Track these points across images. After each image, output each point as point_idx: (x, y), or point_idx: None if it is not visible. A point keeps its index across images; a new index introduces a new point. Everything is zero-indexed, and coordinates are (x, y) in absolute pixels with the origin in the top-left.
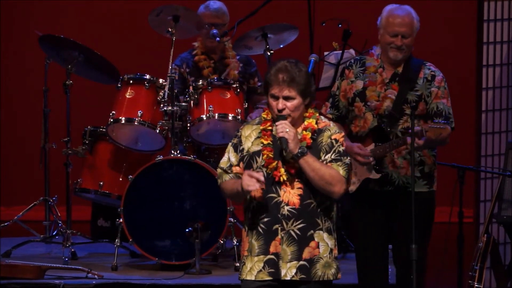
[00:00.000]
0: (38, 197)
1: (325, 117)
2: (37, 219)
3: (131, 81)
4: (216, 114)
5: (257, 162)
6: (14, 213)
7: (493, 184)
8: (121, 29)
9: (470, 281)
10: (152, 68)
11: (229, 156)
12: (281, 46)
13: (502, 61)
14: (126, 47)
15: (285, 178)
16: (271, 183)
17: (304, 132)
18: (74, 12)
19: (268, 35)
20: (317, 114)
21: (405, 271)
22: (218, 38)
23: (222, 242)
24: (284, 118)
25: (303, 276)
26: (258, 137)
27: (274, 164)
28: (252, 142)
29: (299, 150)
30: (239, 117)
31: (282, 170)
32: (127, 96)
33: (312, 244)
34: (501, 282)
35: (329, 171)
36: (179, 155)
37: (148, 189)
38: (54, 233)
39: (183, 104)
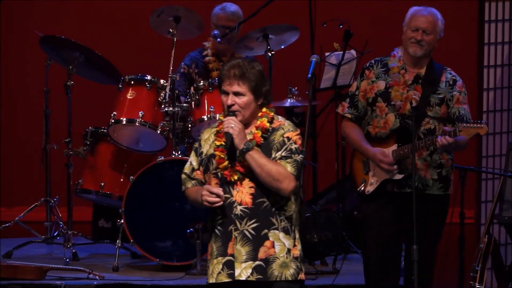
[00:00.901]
0: (39, 198)
1: (345, 116)
2: (38, 220)
3: (132, 82)
4: (217, 115)
5: (213, 164)
6: (15, 214)
7: (494, 185)
8: (122, 29)
9: (471, 282)
10: (153, 69)
11: (191, 161)
12: (282, 47)
13: (503, 61)
14: (127, 48)
15: (236, 178)
16: (225, 183)
17: (255, 131)
18: (75, 12)
19: (269, 36)
20: (272, 114)
21: (408, 272)
22: (219, 39)
23: None
24: (234, 114)
25: (259, 276)
26: (215, 140)
27: (225, 164)
28: (210, 145)
29: (244, 146)
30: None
31: (232, 170)
32: (128, 97)
33: (267, 243)
34: (502, 283)
35: (276, 167)
36: (180, 156)
37: (149, 190)
38: (55, 234)
39: (184, 105)
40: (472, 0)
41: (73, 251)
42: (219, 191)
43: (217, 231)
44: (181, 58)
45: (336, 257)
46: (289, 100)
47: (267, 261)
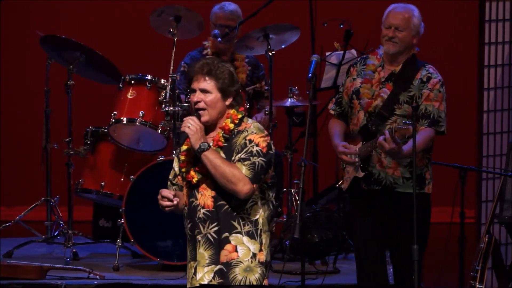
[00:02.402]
0: (40, 198)
1: (329, 113)
2: (39, 220)
3: (132, 82)
4: None
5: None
6: (15, 214)
7: (494, 185)
8: (123, 29)
9: (471, 282)
10: (153, 68)
11: (174, 167)
12: (283, 46)
13: (504, 61)
14: (128, 48)
15: (196, 179)
16: (190, 187)
17: (219, 132)
18: (75, 12)
19: (270, 36)
20: (239, 116)
21: (399, 272)
22: (219, 39)
23: None
24: (198, 114)
25: (221, 280)
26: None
27: (187, 168)
28: None
29: (200, 146)
30: None
31: (193, 172)
32: (129, 97)
33: (228, 247)
34: (503, 282)
35: (231, 169)
36: None
37: (149, 189)
38: (55, 234)
39: (185, 104)
40: (473, 0)
41: (74, 250)
42: (169, 194)
43: (188, 236)
44: (182, 58)
45: (336, 256)
46: (289, 100)
47: (229, 265)
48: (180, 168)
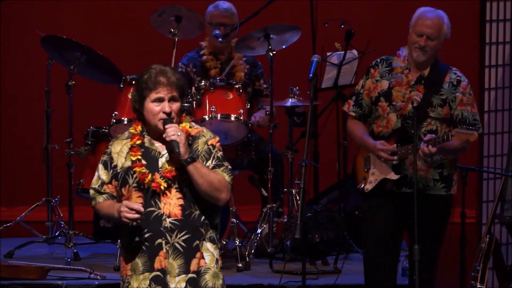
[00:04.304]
0: (41, 198)
1: (348, 115)
2: (40, 220)
3: (133, 82)
4: (219, 115)
5: (132, 177)
6: (16, 214)
7: (495, 185)
8: (124, 29)
9: (472, 282)
10: None
11: (99, 175)
12: (284, 46)
13: (505, 61)
14: (129, 48)
15: (165, 186)
16: (150, 196)
17: None
18: (76, 12)
19: (271, 36)
20: (189, 119)
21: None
22: (220, 39)
23: (224, 242)
24: (171, 121)
25: None
26: (129, 153)
27: (149, 177)
28: (125, 158)
29: (189, 155)
30: (241, 117)
31: (160, 179)
32: (130, 97)
33: (198, 255)
34: (504, 282)
35: (217, 177)
36: None
37: None
38: (56, 234)
39: (186, 104)
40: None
41: (74, 251)
42: (139, 207)
43: (142, 246)
44: (182, 58)
45: (337, 256)
46: (290, 100)
47: (199, 272)
48: (112, 176)
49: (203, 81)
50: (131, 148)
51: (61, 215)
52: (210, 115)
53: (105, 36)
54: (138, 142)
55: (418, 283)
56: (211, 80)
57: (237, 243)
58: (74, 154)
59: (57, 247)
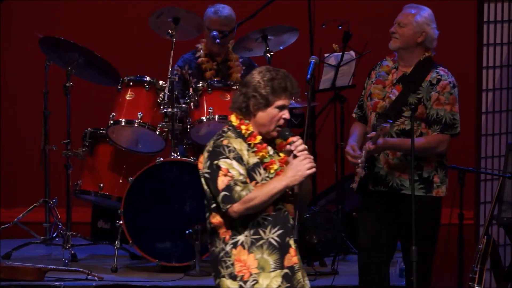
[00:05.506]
0: (38, 199)
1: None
2: (37, 221)
3: (131, 83)
4: (216, 116)
5: (260, 174)
6: (14, 215)
7: (493, 186)
8: (121, 31)
9: (470, 283)
10: (152, 70)
11: (238, 169)
12: (281, 48)
13: (502, 62)
14: (126, 49)
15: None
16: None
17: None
18: (74, 13)
19: (268, 37)
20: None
21: (408, 273)
22: (218, 40)
23: None
24: (290, 132)
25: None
26: (248, 150)
27: (276, 167)
28: (247, 155)
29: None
30: None
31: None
32: (127, 98)
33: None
34: (501, 284)
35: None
36: (179, 157)
37: (148, 191)
38: (54, 235)
39: (183, 106)
40: (471, 1)
41: (72, 252)
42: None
43: (274, 243)
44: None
45: (335, 258)
46: None
47: (293, 268)
48: (246, 172)
49: (200, 82)
50: (258, 146)
51: (59, 216)
52: (207, 116)
53: (103, 38)
54: (259, 138)
55: (416, 284)
56: (209, 81)
57: None
58: (72, 155)
59: (55, 248)
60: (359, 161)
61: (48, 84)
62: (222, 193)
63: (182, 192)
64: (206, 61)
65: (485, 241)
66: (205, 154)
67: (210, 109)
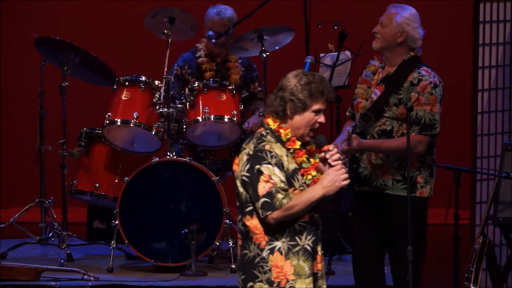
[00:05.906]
0: (34, 199)
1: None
2: (33, 221)
3: (127, 83)
4: (212, 116)
5: (298, 180)
6: (10, 215)
7: (489, 186)
8: (117, 31)
9: (466, 283)
10: (148, 70)
11: (280, 176)
12: (277, 48)
13: (498, 62)
14: (122, 49)
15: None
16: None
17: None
18: (69, 14)
19: (264, 37)
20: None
21: (396, 274)
22: (214, 40)
23: (218, 243)
24: (326, 139)
25: None
26: (287, 155)
27: (313, 173)
28: (287, 161)
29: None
30: (235, 119)
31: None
32: (123, 98)
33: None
34: (497, 283)
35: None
36: (175, 157)
37: (144, 191)
38: (50, 235)
39: (179, 106)
40: (467, 0)
41: (68, 252)
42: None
43: (309, 249)
44: (176, 59)
45: (331, 258)
46: None
47: (316, 274)
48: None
49: (196, 82)
50: (297, 152)
51: (55, 216)
52: (203, 116)
53: (99, 37)
54: (298, 144)
55: (412, 284)
56: (205, 81)
57: (231, 244)
58: (68, 155)
59: (50, 248)
60: (341, 161)
61: (43, 84)
62: (263, 199)
63: (178, 192)
64: (206, 62)
65: (480, 241)
66: (244, 157)
67: (206, 109)
